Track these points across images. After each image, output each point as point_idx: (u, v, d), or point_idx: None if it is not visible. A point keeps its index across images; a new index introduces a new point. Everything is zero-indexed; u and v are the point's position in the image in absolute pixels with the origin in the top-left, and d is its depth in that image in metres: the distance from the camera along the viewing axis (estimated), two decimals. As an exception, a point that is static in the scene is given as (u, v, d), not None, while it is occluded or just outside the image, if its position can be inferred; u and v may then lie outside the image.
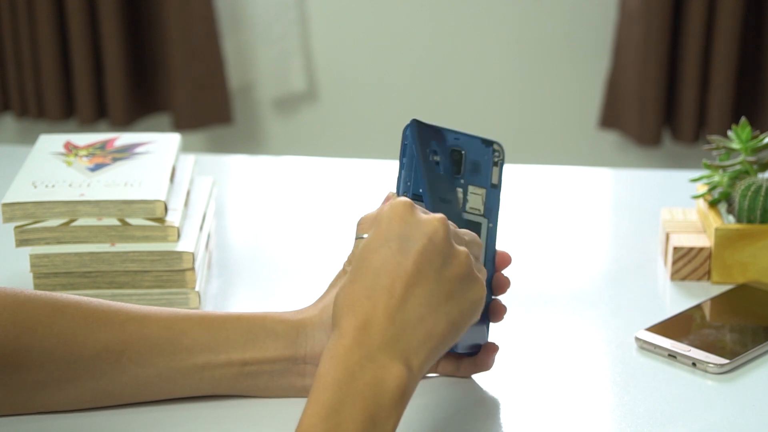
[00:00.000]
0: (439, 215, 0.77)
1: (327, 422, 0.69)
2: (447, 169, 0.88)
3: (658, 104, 2.44)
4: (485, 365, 0.88)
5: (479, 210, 0.89)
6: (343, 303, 0.74)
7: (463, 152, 0.89)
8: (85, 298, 0.85)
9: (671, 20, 2.40)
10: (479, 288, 0.78)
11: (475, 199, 0.89)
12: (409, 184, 0.86)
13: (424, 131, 0.87)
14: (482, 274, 0.79)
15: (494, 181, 0.90)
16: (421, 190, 0.86)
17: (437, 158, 0.87)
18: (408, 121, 0.87)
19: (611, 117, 2.53)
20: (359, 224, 0.86)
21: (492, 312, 0.87)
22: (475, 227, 0.88)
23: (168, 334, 0.84)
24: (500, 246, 0.89)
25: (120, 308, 0.85)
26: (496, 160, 0.91)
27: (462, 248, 0.77)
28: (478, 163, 0.90)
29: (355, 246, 0.85)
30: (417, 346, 0.73)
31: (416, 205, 0.78)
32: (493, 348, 0.88)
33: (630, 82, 2.45)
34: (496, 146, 0.91)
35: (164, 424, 0.84)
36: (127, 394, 0.84)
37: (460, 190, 0.89)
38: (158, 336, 0.84)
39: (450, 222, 0.78)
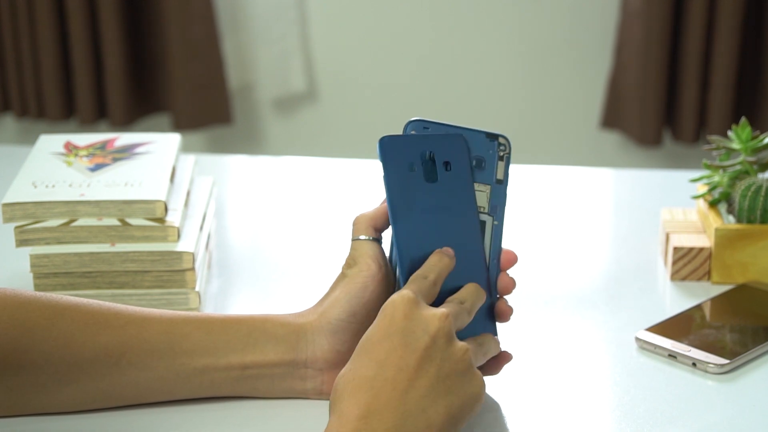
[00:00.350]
0: (441, 311, 0.78)
1: None
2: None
3: (658, 104, 2.44)
4: (493, 370, 0.87)
5: (484, 207, 0.86)
6: (344, 389, 0.75)
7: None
8: (85, 300, 0.85)
9: (672, 21, 2.40)
10: (477, 383, 0.79)
11: (479, 196, 0.86)
12: None
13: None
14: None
15: (499, 176, 0.87)
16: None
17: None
18: (409, 121, 0.85)
19: (612, 117, 2.53)
20: (354, 224, 0.86)
21: (498, 313, 0.86)
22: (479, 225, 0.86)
23: (168, 337, 0.84)
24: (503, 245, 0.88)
25: (120, 311, 0.85)
26: (501, 154, 0.86)
27: (461, 344, 0.78)
28: (481, 158, 0.86)
29: (352, 248, 0.85)
30: None
31: (420, 300, 0.78)
32: (507, 357, 0.87)
33: (631, 82, 2.45)
34: (501, 139, 0.86)
35: (165, 426, 0.84)
36: (127, 396, 0.84)
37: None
38: (158, 339, 0.84)
39: (453, 306, 0.80)
